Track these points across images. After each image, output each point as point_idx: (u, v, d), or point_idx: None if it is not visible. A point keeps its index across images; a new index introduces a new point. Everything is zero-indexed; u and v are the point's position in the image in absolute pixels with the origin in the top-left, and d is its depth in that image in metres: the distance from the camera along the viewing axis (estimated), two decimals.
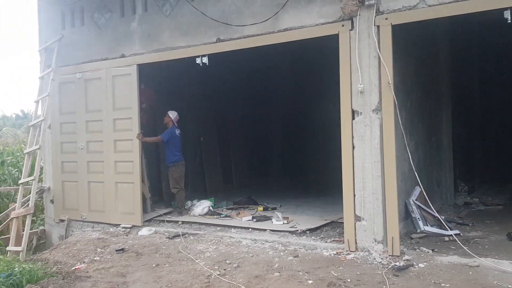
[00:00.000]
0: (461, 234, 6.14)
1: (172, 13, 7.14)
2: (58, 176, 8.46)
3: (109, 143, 7.80)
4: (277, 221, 7.02)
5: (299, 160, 12.63)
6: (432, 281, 4.54)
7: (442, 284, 4.46)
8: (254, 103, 12.50)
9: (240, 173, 12.18)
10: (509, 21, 4.76)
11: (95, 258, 6.17)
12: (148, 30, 7.40)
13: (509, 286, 4.32)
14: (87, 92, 8.05)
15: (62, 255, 6.52)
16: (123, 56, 7.66)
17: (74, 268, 5.81)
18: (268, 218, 7.31)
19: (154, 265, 5.64)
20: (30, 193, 7.98)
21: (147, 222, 7.72)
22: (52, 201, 8.58)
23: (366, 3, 5.43)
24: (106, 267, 5.75)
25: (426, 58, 7.58)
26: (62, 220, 8.33)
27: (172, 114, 8.31)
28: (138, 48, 7.49)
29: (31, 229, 8.00)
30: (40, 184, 8.59)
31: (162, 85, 9.34)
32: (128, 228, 7.53)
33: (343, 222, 5.83)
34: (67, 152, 8.34)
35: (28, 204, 7.79)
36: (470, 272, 4.72)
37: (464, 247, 5.33)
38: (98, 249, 6.53)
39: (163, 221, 7.75)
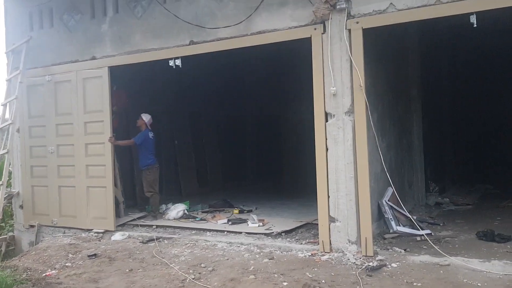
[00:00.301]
0: (433, 234, 6.26)
1: (144, 15, 7.06)
2: (28, 181, 8.23)
3: (80, 147, 7.64)
4: (252, 224, 7.01)
5: (274, 163, 12.67)
6: (405, 281, 4.62)
7: (414, 283, 4.54)
8: (229, 105, 12.49)
9: (216, 176, 12.13)
10: (475, 26, 4.90)
11: (66, 264, 6.03)
12: (119, 32, 7.29)
13: (479, 284, 4.43)
14: (57, 95, 7.87)
15: (32, 262, 6.35)
16: (94, 58, 7.52)
17: (44, 274, 5.67)
18: (244, 221, 7.30)
19: (127, 270, 5.55)
20: None
21: (120, 226, 7.60)
22: (21, 207, 8.34)
23: (338, 7, 5.50)
24: (77, 273, 5.63)
25: (397, 61, 7.73)
26: (32, 226, 8.11)
27: (146, 117, 8.21)
28: (109, 50, 7.38)
29: None
30: (8, 189, 8.35)
31: (135, 87, 9.22)
32: (101, 233, 7.39)
33: (317, 224, 5.88)
34: (37, 156, 8.13)
35: None
36: (441, 271, 4.82)
37: (435, 247, 5.45)
38: (70, 255, 6.39)
39: (137, 225, 7.64)
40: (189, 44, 6.65)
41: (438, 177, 9.88)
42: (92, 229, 7.51)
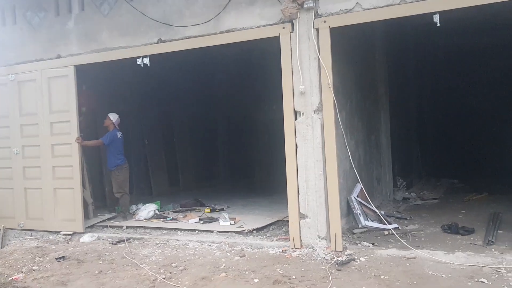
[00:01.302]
0: (400, 228, 6.43)
1: (111, 12, 6.95)
2: None
3: (46, 148, 7.46)
4: (224, 222, 7.02)
5: (245, 161, 12.71)
6: (373, 274, 4.72)
7: (382, 276, 4.65)
8: (199, 104, 12.43)
9: (187, 175, 12.05)
10: (438, 25, 5.05)
11: (33, 268, 5.88)
12: (85, 30, 7.15)
13: (443, 275, 4.58)
14: (21, 94, 7.65)
15: None
16: (59, 56, 7.35)
17: (11, 278, 5.51)
18: (215, 220, 7.30)
19: (96, 272, 5.46)
20: None
21: (89, 228, 7.46)
22: None
23: (305, 6, 5.57)
24: (45, 276, 5.49)
25: (365, 60, 7.88)
26: None
27: (113, 117, 8.07)
28: (75, 49, 7.22)
29: None
30: None
31: (103, 86, 9.06)
32: (69, 235, 7.24)
33: (288, 221, 5.93)
34: (1, 158, 7.89)
35: None
36: (408, 264, 4.96)
37: (402, 240, 5.60)
38: (37, 258, 6.24)
39: (107, 226, 7.52)
40: (157, 43, 6.59)
41: (405, 173, 10.14)
42: (60, 231, 7.35)
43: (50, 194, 7.45)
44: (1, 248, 7.56)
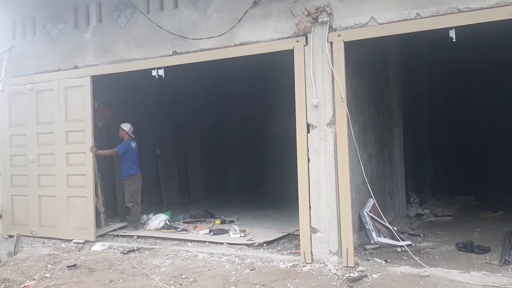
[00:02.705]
0: (413, 245, 6.33)
1: (127, 25, 7.06)
2: (7, 190, 8.09)
3: (61, 156, 7.55)
4: (234, 234, 7.00)
5: (256, 173, 12.71)
6: None
7: None
8: (211, 116, 12.52)
9: (197, 186, 12.08)
10: (454, 40, 5.03)
11: (45, 275, 5.93)
12: (102, 41, 7.27)
13: None
14: (39, 103, 7.78)
15: (10, 272, 6.23)
16: (76, 67, 7.48)
17: (23, 285, 5.59)
18: (225, 232, 7.27)
19: (107, 281, 5.48)
20: None
21: (101, 237, 7.50)
22: (0, 216, 8.17)
23: (320, 20, 5.59)
24: (57, 284, 5.54)
25: (378, 74, 7.87)
26: (11, 236, 7.95)
27: (126, 126, 8.15)
28: (92, 60, 7.34)
29: None
30: None
31: (117, 97, 9.19)
32: (81, 243, 7.28)
33: (299, 235, 5.89)
34: (17, 165, 8.01)
35: None
36: (421, 282, 4.87)
37: (416, 258, 5.50)
38: (49, 266, 6.29)
39: (118, 235, 7.55)
40: (172, 55, 6.67)
41: (418, 188, 10.02)
42: (72, 240, 7.40)
43: (64, 202, 7.52)
44: (14, 254, 7.63)
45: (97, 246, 7.05)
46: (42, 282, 5.68)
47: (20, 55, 7.99)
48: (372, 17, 5.40)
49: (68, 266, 6.10)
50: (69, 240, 7.42)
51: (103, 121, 8.36)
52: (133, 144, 8.15)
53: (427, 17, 5.15)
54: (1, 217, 8.15)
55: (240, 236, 6.92)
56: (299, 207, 5.78)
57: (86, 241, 7.30)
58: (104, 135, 8.77)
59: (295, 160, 5.86)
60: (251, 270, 5.50)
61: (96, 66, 7.30)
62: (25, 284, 5.60)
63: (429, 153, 11.82)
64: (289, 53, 5.87)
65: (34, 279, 5.82)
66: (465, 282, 4.78)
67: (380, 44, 7.34)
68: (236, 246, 6.54)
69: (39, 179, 7.78)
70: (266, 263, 5.78)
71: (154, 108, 10.71)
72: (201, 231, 7.41)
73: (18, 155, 8.00)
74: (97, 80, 7.41)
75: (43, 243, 7.65)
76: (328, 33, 5.58)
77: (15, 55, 8.00)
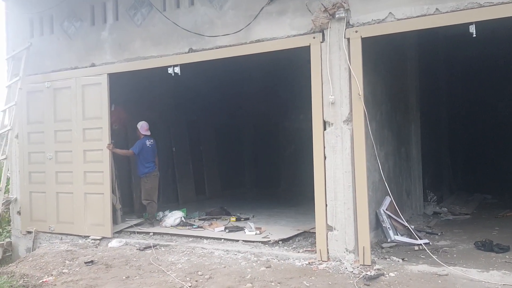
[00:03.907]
0: (430, 243, 6.25)
1: (144, 22, 7.10)
2: (26, 186, 8.21)
3: (78, 153, 7.63)
4: (249, 232, 6.99)
5: (271, 170, 12.67)
6: None
7: None
8: (227, 113, 12.52)
9: (213, 183, 12.11)
10: (474, 35, 4.92)
11: (63, 271, 6.00)
12: (119, 39, 7.32)
13: None
14: (56, 101, 7.87)
15: (29, 268, 6.32)
16: (93, 65, 7.54)
17: (41, 281, 5.64)
18: (241, 229, 7.28)
19: (124, 277, 5.52)
20: None
21: (117, 233, 7.57)
22: (19, 213, 8.31)
23: (337, 16, 5.54)
24: (74, 279, 5.60)
25: (395, 71, 7.77)
26: (29, 232, 8.08)
27: (139, 125, 8.20)
28: (108, 58, 7.40)
29: None
30: (6, 195, 8.32)
31: (133, 94, 9.24)
32: (98, 239, 7.35)
33: (315, 232, 5.86)
34: (35, 162, 8.11)
35: None
36: (439, 281, 4.80)
37: (433, 256, 5.43)
38: (67, 262, 6.36)
39: (134, 232, 7.61)
40: (188, 52, 6.68)
41: (436, 187, 9.89)
42: (89, 236, 7.48)
43: (81, 199, 7.60)
44: (32, 250, 7.75)
45: (114, 243, 7.12)
46: (60, 277, 5.75)
47: (38, 53, 8.09)
48: (390, 12, 5.32)
49: (85, 262, 6.16)
50: (86, 237, 7.50)
51: (118, 123, 8.42)
52: (148, 142, 8.19)
53: (446, 12, 5.06)
54: (20, 214, 8.28)
55: (256, 234, 6.91)
56: (315, 205, 5.74)
57: (103, 238, 7.37)
58: (121, 137, 8.82)
59: (310, 158, 5.83)
60: (266, 268, 5.49)
61: (112, 64, 7.36)
62: (44, 280, 5.67)
63: (447, 150, 11.65)
64: (305, 50, 5.83)
65: (52, 275, 5.89)
66: (485, 282, 4.70)
67: (398, 40, 7.24)
68: (252, 243, 6.53)
69: (57, 176, 7.88)
70: (282, 261, 5.77)
71: (169, 106, 10.76)
72: (217, 228, 7.42)
73: (36, 152, 8.10)
74: (113, 78, 7.47)
75: (61, 239, 7.76)
76: (345, 29, 5.52)
77: (33, 53, 8.11)
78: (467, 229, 7.28)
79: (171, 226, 7.78)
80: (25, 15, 8.21)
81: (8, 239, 8.53)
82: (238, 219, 8.17)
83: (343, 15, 5.52)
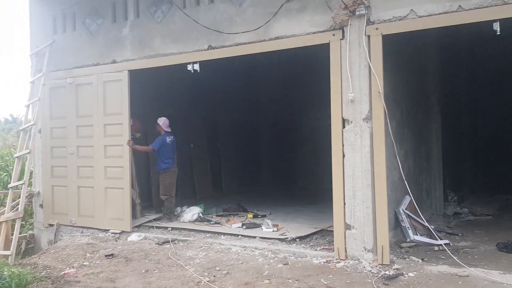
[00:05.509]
0: (451, 244, 6.17)
1: (164, 20, 7.15)
2: (48, 180, 8.38)
3: (99, 149, 7.76)
4: (267, 229, 7.01)
5: (288, 168, 12.66)
6: None
7: None
8: (244, 110, 12.53)
9: (230, 180, 12.16)
10: (498, 33, 4.83)
11: (84, 263, 6.12)
12: (139, 36, 7.39)
13: None
14: (78, 97, 8.01)
15: (51, 260, 6.46)
16: (114, 61, 7.64)
17: (63, 273, 5.76)
18: (258, 226, 7.30)
19: (143, 270, 5.60)
20: (19, 197, 7.90)
21: (137, 227, 7.68)
22: (41, 206, 8.50)
23: (357, 13, 5.49)
24: (95, 272, 5.71)
25: (416, 69, 7.67)
26: (51, 225, 8.25)
27: (160, 121, 8.29)
28: (129, 54, 7.48)
29: (20, 233, 7.91)
30: (29, 188, 8.51)
31: (152, 91, 9.33)
32: (118, 233, 7.47)
33: (333, 231, 5.83)
34: (57, 157, 8.28)
35: (18, 208, 7.74)
36: (460, 282, 4.74)
37: (454, 257, 5.35)
38: (87, 254, 6.48)
39: (153, 227, 7.71)
40: (208, 49, 6.71)
41: (456, 187, 9.74)
42: (109, 230, 7.61)
43: (101, 193, 7.73)
44: (54, 243, 7.92)
45: (134, 237, 7.22)
46: (81, 270, 5.86)
47: (60, 50, 8.23)
48: (411, 9, 5.25)
49: (105, 255, 6.27)
50: (106, 230, 7.63)
51: (141, 132, 8.57)
52: (168, 139, 8.27)
53: (470, 9, 4.96)
54: (42, 207, 8.46)
55: (273, 231, 6.92)
56: (333, 203, 5.72)
57: (123, 232, 7.48)
58: (140, 142, 8.90)
59: (328, 156, 5.80)
60: (284, 265, 5.50)
61: (133, 60, 7.44)
62: (65, 272, 5.79)
63: (468, 150, 11.45)
64: (324, 47, 5.79)
65: (73, 267, 6.01)
66: (507, 284, 4.61)
67: (418, 37, 7.13)
68: (269, 240, 6.55)
69: (78, 170, 8.02)
70: (299, 258, 5.77)
71: (188, 102, 10.82)
72: (234, 225, 7.46)
73: (59, 147, 8.26)
74: (133, 74, 7.55)
75: (82, 232, 7.90)
76: (366, 26, 5.47)
77: (56, 50, 8.26)
78: (488, 230, 7.15)
79: (189, 222, 7.85)
80: (48, 12, 8.37)
81: (30, 231, 8.74)
82: (255, 216, 8.20)
83: (364, 12, 5.47)
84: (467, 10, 4.97)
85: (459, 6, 5.00)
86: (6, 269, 5.46)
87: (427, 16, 5.18)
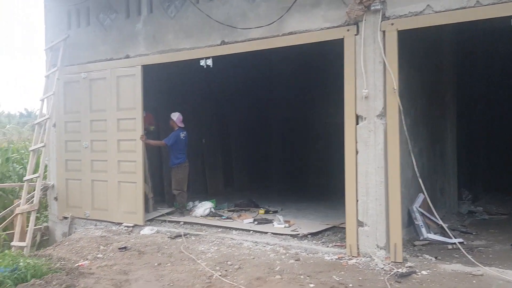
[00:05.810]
0: (465, 243, 6.10)
1: (177, 15, 7.16)
2: (62, 174, 8.49)
3: (112, 143, 7.82)
4: (278, 224, 7.01)
5: (300, 164, 12.61)
6: None
7: None
8: (256, 106, 12.50)
9: (241, 175, 12.16)
10: None
11: (98, 256, 6.20)
12: (153, 31, 7.42)
13: None
14: (92, 91, 8.07)
15: (65, 252, 6.55)
16: (128, 56, 7.68)
17: (77, 264, 5.83)
18: (270, 221, 7.30)
19: (156, 264, 5.65)
20: (34, 190, 8.02)
21: (149, 221, 7.74)
22: (56, 199, 8.61)
23: (372, 8, 5.43)
24: (109, 264, 5.77)
25: (431, 66, 7.57)
26: (66, 218, 8.36)
27: (174, 116, 8.32)
28: (142, 49, 7.51)
29: (35, 225, 8.02)
30: (44, 181, 8.59)
31: (165, 86, 9.36)
32: (131, 227, 7.54)
33: (345, 227, 5.81)
34: (72, 151, 8.37)
35: (33, 201, 7.86)
36: (474, 281, 4.69)
37: (468, 256, 5.30)
38: (101, 247, 6.55)
39: (165, 221, 7.76)
40: (221, 44, 6.70)
41: (471, 185, 9.62)
42: (122, 223, 7.68)
43: (115, 187, 7.80)
44: (68, 235, 8.02)
45: (146, 230, 7.28)
46: (95, 262, 5.93)
47: (74, 45, 8.30)
48: (428, 5, 5.17)
49: (119, 248, 6.33)
50: (120, 224, 7.70)
51: (153, 125, 8.62)
52: (182, 134, 8.30)
53: (487, 4, 4.88)
54: (57, 200, 8.57)
55: (285, 227, 6.92)
56: (346, 200, 5.69)
57: (135, 225, 7.54)
58: (152, 136, 8.98)
59: (340, 152, 5.77)
60: (295, 261, 5.49)
61: (146, 55, 7.47)
62: (79, 263, 5.86)
63: (484, 148, 11.28)
64: (338, 43, 5.74)
65: (87, 259, 6.08)
66: None
67: (434, 33, 7.03)
68: (281, 236, 6.55)
69: (92, 164, 8.10)
70: (311, 255, 5.76)
71: (200, 98, 10.83)
72: (246, 220, 7.47)
73: (73, 141, 8.35)
74: (147, 69, 7.59)
75: (95, 225, 7.99)
76: (381, 21, 5.41)
77: (70, 45, 8.33)
78: (504, 229, 7.05)
79: (201, 216, 7.89)
80: (63, 7, 8.44)
81: (45, 224, 8.88)
82: (266, 212, 8.20)
83: (379, 7, 5.40)
84: (485, 5, 4.88)
85: (477, 1, 4.92)
86: (22, 260, 5.55)
87: (443, 11, 5.10)
